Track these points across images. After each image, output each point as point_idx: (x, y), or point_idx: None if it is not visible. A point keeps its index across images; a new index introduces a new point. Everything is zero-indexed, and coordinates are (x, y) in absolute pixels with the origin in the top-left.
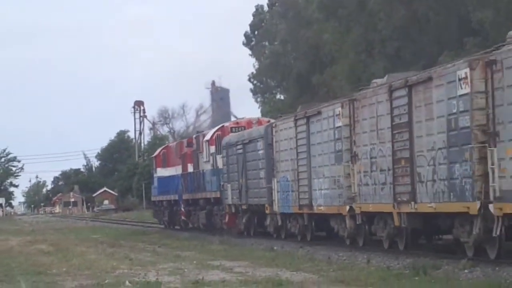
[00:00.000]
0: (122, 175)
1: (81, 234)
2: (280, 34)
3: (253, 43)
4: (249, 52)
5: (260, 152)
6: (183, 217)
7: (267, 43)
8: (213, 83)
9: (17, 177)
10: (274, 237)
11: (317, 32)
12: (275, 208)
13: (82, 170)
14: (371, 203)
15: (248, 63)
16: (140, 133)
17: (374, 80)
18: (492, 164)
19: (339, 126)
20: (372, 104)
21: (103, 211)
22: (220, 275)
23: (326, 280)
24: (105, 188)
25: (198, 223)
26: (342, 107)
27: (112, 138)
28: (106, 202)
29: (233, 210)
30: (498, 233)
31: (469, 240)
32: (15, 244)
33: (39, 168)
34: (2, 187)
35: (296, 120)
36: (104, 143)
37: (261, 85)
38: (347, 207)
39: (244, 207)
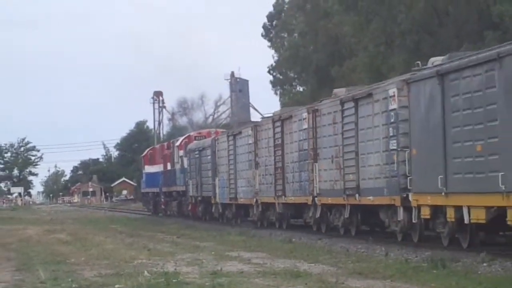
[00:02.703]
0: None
1: (100, 224)
2: (299, 26)
3: (272, 34)
4: (268, 43)
5: (209, 157)
6: (163, 206)
7: (286, 35)
8: (232, 74)
9: (36, 166)
10: (219, 221)
11: (336, 24)
12: (217, 199)
13: (101, 160)
14: (266, 196)
15: (267, 55)
16: (159, 124)
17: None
18: (315, 173)
19: (251, 143)
20: (267, 130)
21: (121, 201)
22: (238, 266)
23: (344, 272)
24: (123, 178)
25: (172, 210)
26: (251, 130)
27: (132, 128)
28: (124, 192)
29: (193, 201)
30: (318, 215)
31: (310, 220)
32: (33, 233)
33: (58, 157)
34: (21, 176)
35: (228, 137)
36: (123, 133)
37: (280, 76)
38: (255, 199)
39: (199, 198)
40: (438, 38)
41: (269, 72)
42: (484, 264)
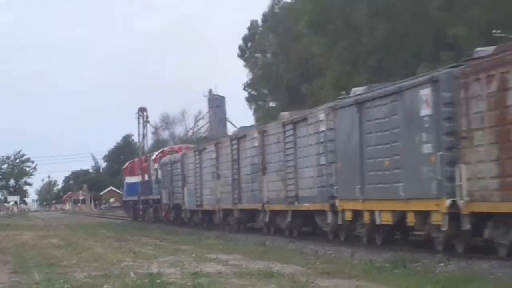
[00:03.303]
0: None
1: (89, 229)
2: (272, 47)
3: (246, 55)
4: (243, 63)
5: (179, 170)
6: (141, 212)
7: (259, 55)
8: (210, 91)
9: (30, 177)
10: (188, 225)
11: (305, 46)
12: (186, 206)
13: (90, 170)
14: (226, 204)
15: (242, 73)
16: (144, 137)
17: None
18: (264, 184)
19: (213, 158)
20: (227, 147)
21: (109, 208)
22: (217, 267)
23: (314, 272)
24: (111, 187)
25: (149, 216)
26: (214, 146)
27: (118, 141)
28: (112, 200)
29: (167, 207)
30: (267, 219)
31: (262, 223)
32: (28, 238)
33: (51, 168)
34: (17, 186)
35: (194, 152)
36: (111, 146)
37: (254, 93)
38: (217, 207)
39: (171, 205)
40: (398, 58)
41: (244, 89)
42: (441, 264)
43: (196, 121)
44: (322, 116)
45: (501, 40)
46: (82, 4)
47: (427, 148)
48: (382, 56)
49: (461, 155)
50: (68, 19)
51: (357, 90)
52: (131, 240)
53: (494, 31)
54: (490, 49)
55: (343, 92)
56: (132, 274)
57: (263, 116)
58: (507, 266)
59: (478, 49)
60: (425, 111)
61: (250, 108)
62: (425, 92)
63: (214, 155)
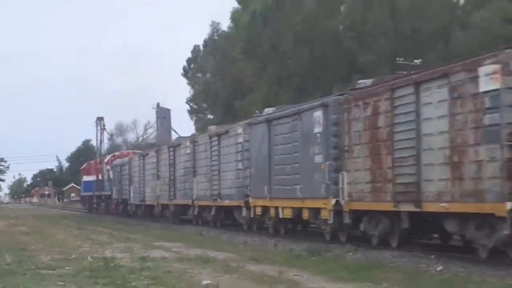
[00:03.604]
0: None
1: (53, 220)
2: (211, 68)
3: (189, 74)
4: (186, 81)
5: (126, 171)
6: (95, 205)
7: (200, 75)
8: (158, 104)
9: (4, 174)
10: (133, 217)
11: (239, 68)
12: (131, 201)
13: (55, 169)
14: (164, 199)
15: (186, 89)
16: (101, 142)
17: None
18: (194, 184)
19: (154, 162)
20: (165, 153)
21: (70, 202)
22: (161, 253)
23: (247, 258)
24: (72, 184)
25: (102, 209)
26: (155, 152)
27: (79, 145)
28: (73, 195)
29: (116, 202)
30: (196, 213)
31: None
32: (1, 226)
33: (22, 167)
34: None
35: (139, 157)
36: (73, 149)
37: (195, 106)
38: (157, 202)
39: (120, 200)
40: (317, 80)
41: (187, 103)
42: (350, 254)
43: (146, 129)
44: (240, 130)
45: (403, 67)
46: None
47: (318, 158)
48: (304, 78)
49: (343, 165)
50: (33, 32)
51: (268, 110)
52: (88, 229)
53: (397, 59)
54: (369, 82)
55: (257, 111)
56: (89, 258)
57: (203, 126)
58: (406, 256)
59: (360, 81)
60: (318, 129)
61: (192, 119)
62: (318, 114)
63: (155, 160)
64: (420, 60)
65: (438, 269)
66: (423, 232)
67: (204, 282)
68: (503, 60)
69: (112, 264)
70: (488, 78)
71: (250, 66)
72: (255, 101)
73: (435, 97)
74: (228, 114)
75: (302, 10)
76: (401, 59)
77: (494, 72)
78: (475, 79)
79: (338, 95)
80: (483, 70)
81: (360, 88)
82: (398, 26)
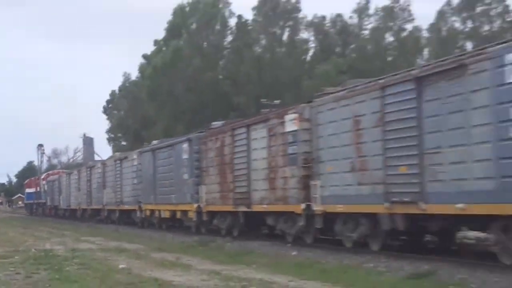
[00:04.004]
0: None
1: (4, 221)
2: (124, 107)
3: (108, 111)
4: (106, 117)
5: (57, 185)
6: (35, 210)
7: (116, 112)
8: (84, 134)
9: None
10: (63, 218)
11: (145, 108)
12: (61, 206)
13: (6, 183)
14: (84, 205)
15: (105, 123)
16: (41, 163)
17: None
18: (104, 194)
19: (77, 179)
20: (84, 172)
21: (18, 208)
22: (88, 246)
23: (151, 249)
24: (19, 194)
25: (40, 213)
26: (77, 171)
27: (24, 165)
28: (20, 202)
29: (50, 207)
30: (105, 215)
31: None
32: None
33: None
34: None
35: (66, 174)
36: (20, 168)
37: (112, 136)
38: (78, 206)
39: (52, 206)
40: (203, 116)
41: (106, 133)
42: (228, 244)
43: (75, 153)
44: (135, 156)
45: (267, 106)
46: None
47: (186, 176)
48: (192, 115)
49: (202, 180)
50: None
51: (154, 142)
52: (32, 228)
53: (262, 100)
54: (220, 123)
55: (146, 143)
56: (33, 249)
57: (118, 151)
58: (268, 245)
59: (214, 123)
60: (185, 156)
61: (110, 145)
62: (185, 146)
63: (77, 177)
64: (279, 100)
65: (293, 254)
66: (253, 225)
67: (121, 266)
68: (300, 110)
69: (50, 254)
70: (291, 122)
71: (153, 106)
72: (157, 132)
73: (259, 134)
74: (137, 142)
75: (191, 65)
76: (265, 100)
77: (295, 119)
78: (283, 123)
79: (198, 132)
80: (287, 117)
81: (213, 128)
82: (263, 75)
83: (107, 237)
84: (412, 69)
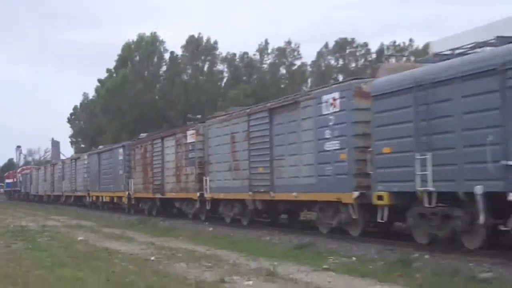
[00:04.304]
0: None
1: None
2: (84, 119)
3: (71, 121)
4: (70, 125)
5: (29, 177)
6: (12, 196)
7: (77, 122)
8: (52, 138)
9: None
10: (33, 201)
11: (99, 119)
12: (32, 192)
13: None
14: (48, 192)
15: (69, 130)
16: (19, 160)
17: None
18: (63, 184)
19: (44, 173)
20: (48, 168)
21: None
22: (54, 223)
23: (103, 225)
24: (0, 184)
25: (16, 198)
26: (44, 167)
27: (5, 161)
28: (1, 190)
29: (23, 193)
30: (63, 199)
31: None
32: None
33: None
34: None
35: (36, 169)
36: (1, 164)
37: (74, 140)
38: (45, 192)
39: (25, 192)
40: (143, 125)
41: (69, 137)
42: (161, 222)
43: (45, 153)
44: (85, 157)
45: (191, 119)
46: None
47: (121, 172)
48: (135, 125)
49: (131, 175)
50: None
51: (100, 147)
52: (11, 209)
53: (188, 114)
54: (144, 135)
55: (94, 148)
56: (12, 225)
57: (78, 153)
58: (191, 224)
59: (141, 134)
60: (120, 157)
61: (72, 148)
62: (120, 150)
63: (44, 172)
64: (200, 115)
65: (210, 229)
66: (166, 207)
67: (79, 238)
68: (197, 128)
69: (25, 229)
70: (191, 136)
71: (105, 119)
72: (107, 138)
73: (170, 144)
74: (93, 145)
75: (134, 88)
76: (190, 115)
77: (193, 133)
78: (185, 136)
79: (131, 140)
80: (188, 132)
81: (140, 138)
82: (188, 96)
83: (69, 216)
84: (267, 103)
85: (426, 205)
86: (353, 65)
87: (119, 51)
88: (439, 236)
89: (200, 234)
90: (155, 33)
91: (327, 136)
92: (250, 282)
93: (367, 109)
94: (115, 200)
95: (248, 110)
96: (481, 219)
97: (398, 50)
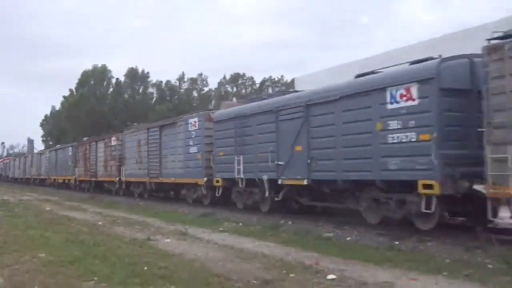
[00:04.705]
0: None
1: None
2: (52, 124)
3: (43, 125)
4: (41, 128)
5: (9, 165)
6: None
7: (47, 126)
8: (28, 137)
9: None
10: (13, 182)
11: (64, 125)
12: (10, 176)
13: None
14: (18, 175)
15: (41, 132)
16: (1, 153)
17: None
18: (29, 169)
19: (18, 162)
20: (19, 159)
21: None
22: (28, 198)
23: (99, 205)
24: None
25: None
26: (19, 159)
27: None
28: None
29: (5, 176)
30: (31, 182)
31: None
32: None
33: None
34: None
35: (13, 160)
36: None
37: (45, 139)
38: (19, 176)
39: (6, 176)
40: (96, 130)
41: (41, 137)
42: (106, 199)
43: (23, 148)
44: (48, 152)
45: (130, 126)
46: None
47: (70, 163)
48: (90, 130)
49: (77, 165)
50: None
51: (58, 146)
52: None
53: (128, 122)
54: (86, 139)
55: (58, 145)
56: None
57: (48, 148)
58: (127, 200)
59: (84, 138)
60: (70, 153)
61: (43, 144)
62: (70, 149)
63: (19, 162)
64: (137, 123)
65: (141, 203)
66: (98, 187)
67: (47, 208)
68: (118, 136)
69: (6, 202)
70: (114, 141)
71: (67, 124)
72: (70, 139)
73: (100, 146)
74: (59, 143)
75: (90, 103)
76: (129, 123)
77: (115, 139)
78: (110, 141)
79: (77, 143)
80: (112, 138)
81: (83, 141)
82: (128, 110)
83: (38, 193)
84: (159, 122)
85: (240, 186)
86: (244, 91)
87: (79, 76)
88: (248, 203)
89: (133, 207)
90: (104, 64)
91: (191, 144)
92: (169, 240)
93: (212, 128)
94: (66, 181)
95: (147, 126)
96: (267, 193)
97: (274, 82)
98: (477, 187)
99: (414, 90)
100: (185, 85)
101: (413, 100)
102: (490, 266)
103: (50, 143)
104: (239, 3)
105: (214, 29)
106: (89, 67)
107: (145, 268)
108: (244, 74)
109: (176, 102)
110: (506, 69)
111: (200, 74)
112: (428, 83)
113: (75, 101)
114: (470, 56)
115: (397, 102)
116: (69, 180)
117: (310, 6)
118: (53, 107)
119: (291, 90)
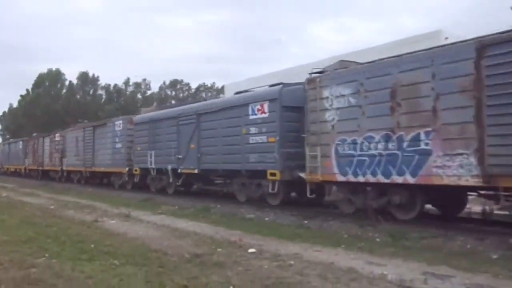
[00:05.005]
0: None
1: None
2: (10, 120)
3: (1, 121)
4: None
5: None
6: None
7: (5, 122)
8: None
9: None
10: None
11: (20, 121)
12: None
13: None
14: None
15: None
16: None
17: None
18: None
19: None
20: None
21: None
22: (7, 189)
23: (51, 191)
24: None
25: None
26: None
27: None
28: None
29: None
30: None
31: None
32: None
33: None
34: None
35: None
36: None
37: (2, 133)
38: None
39: None
40: (49, 127)
41: (0, 131)
42: (58, 186)
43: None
44: (1, 145)
45: (81, 123)
46: None
47: (21, 155)
48: (44, 126)
49: (26, 156)
50: None
51: (11, 140)
52: None
53: (79, 120)
54: (35, 134)
55: (9, 137)
56: None
57: (5, 141)
58: (77, 186)
59: (33, 134)
60: (21, 147)
61: (1, 138)
62: (21, 143)
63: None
64: (87, 120)
65: (89, 190)
66: (45, 175)
67: (4, 195)
68: (60, 132)
69: None
70: (57, 137)
71: (24, 121)
72: (25, 134)
73: (47, 141)
74: (14, 137)
75: (45, 102)
76: (80, 120)
77: (59, 136)
78: (55, 136)
79: (26, 138)
80: (56, 135)
81: (33, 136)
82: (80, 108)
83: (21, 185)
84: (93, 123)
85: (152, 174)
86: (181, 95)
87: (35, 78)
88: (157, 187)
89: (82, 193)
90: (58, 68)
91: (117, 141)
92: (114, 221)
93: (133, 129)
94: (17, 170)
95: (83, 126)
96: (171, 180)
97: (207, 88)
98: (301, 174)
99: (266, 106)
100: (130, 88)
101: (265, 113)
102: (378, 239)
103: (7, 136)
104: (177, 22)
105: (154, 41)
106: (44, 70)
107: (92, 245)
108: (182, 80)
109: (123, 103)
110: (317, 95)
111: (144, 79)
112: (274, 102)
113: (32, 99)
114: (304, 83)
115: (255, 114)
116: (20, 169)
117: (237, 26)
118: (11, 105)
119: (190, 99)
